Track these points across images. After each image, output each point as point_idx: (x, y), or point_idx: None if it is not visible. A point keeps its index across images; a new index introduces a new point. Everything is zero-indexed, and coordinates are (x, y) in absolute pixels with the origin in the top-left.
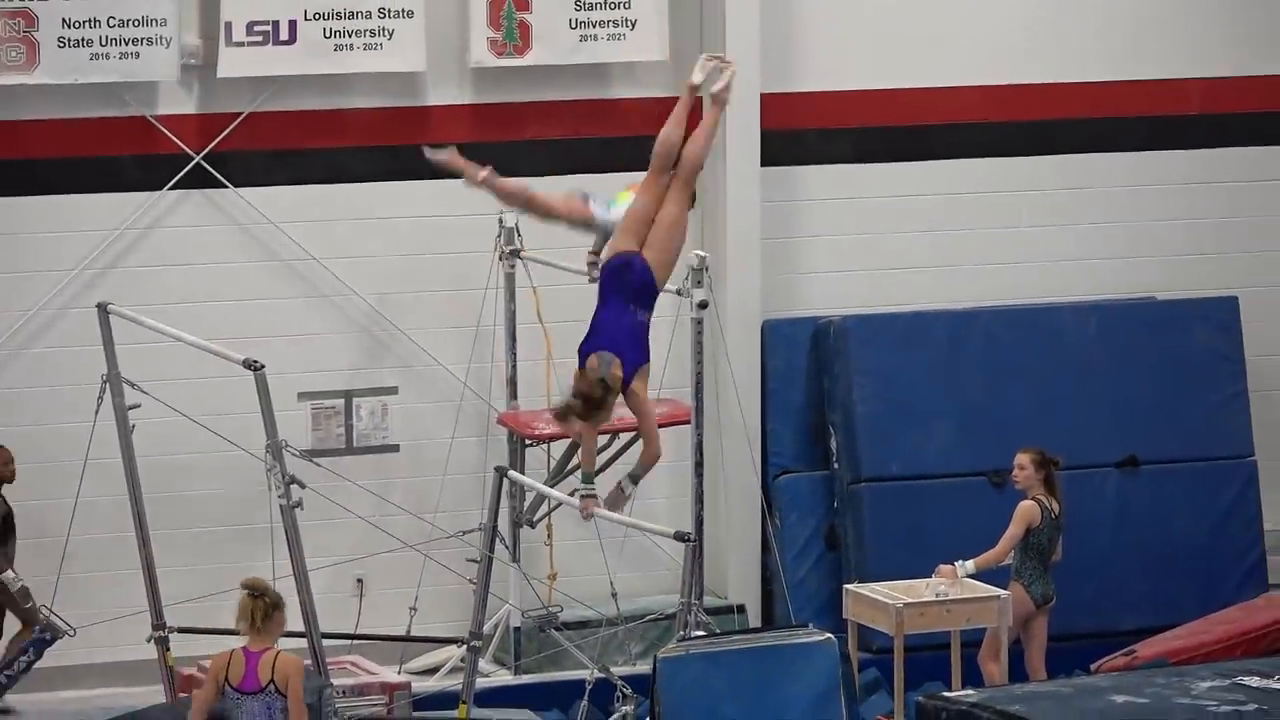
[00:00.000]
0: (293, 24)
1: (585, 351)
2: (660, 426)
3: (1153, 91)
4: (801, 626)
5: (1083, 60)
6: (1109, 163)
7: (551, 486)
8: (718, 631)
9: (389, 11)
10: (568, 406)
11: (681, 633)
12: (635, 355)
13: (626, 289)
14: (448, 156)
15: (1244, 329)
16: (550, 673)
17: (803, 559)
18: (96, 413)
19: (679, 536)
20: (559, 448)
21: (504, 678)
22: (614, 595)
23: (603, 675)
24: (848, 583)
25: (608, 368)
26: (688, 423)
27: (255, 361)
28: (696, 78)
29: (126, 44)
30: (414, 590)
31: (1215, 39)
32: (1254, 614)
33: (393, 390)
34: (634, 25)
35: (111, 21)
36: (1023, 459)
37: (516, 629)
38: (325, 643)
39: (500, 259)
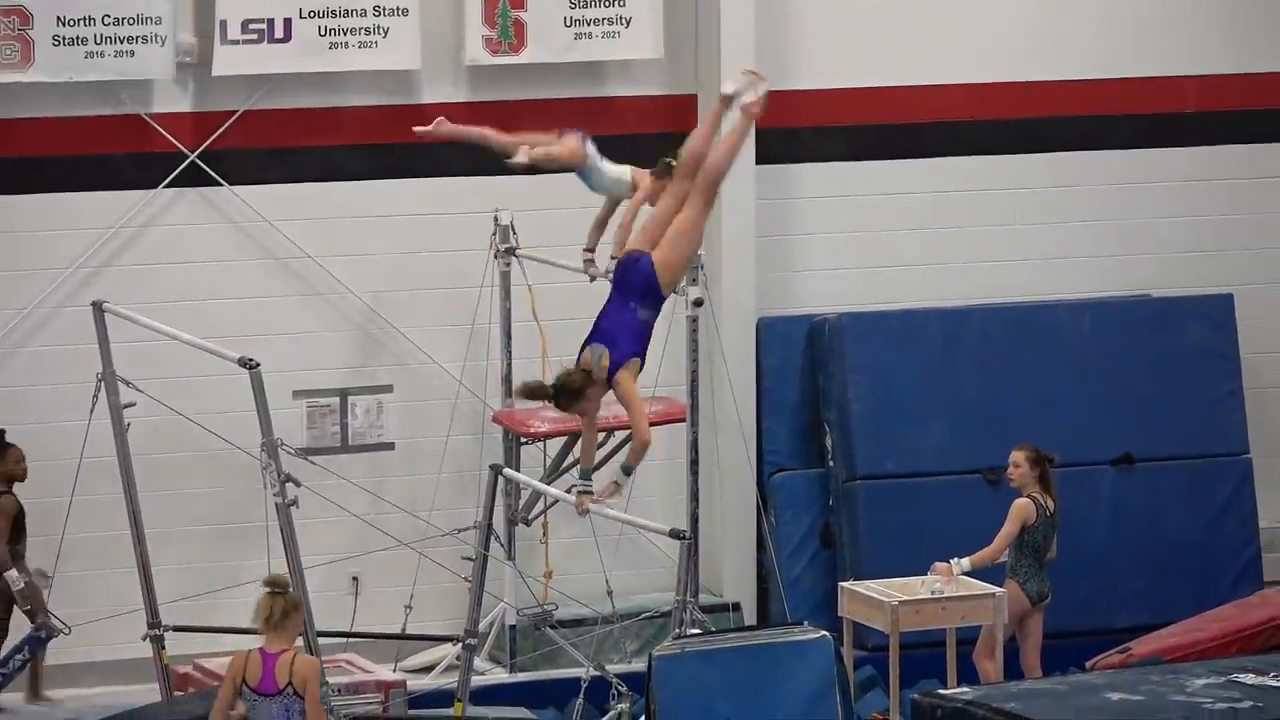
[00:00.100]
0: (288, 22)
1: (585, 345)
2: (655, 424)
3: (1147, 89)
4: (797, 624)
5: (1078, 58)
6: (1104, 160)
7: (547, 484)
8: (713, 629)
9: (384, 9)
10: (530, 389)
11: (677, 630)
12: (628, 347)
13: (630, 286)
14: (433, 127)
15: (1239, 326)
16: (546, 671)
17: (798, 557)
18: (92, 411)
19: (674, 534)
20: (555, 445)
21: (499, 676)
22: (609, 593)
23: (598, 673)
24: (843, 580)
25: (598, 360)
26: (683, 420)
27: (250, 360)
28: (729, 88)
29: (121, 42)
30: (409, 588)
31: (1210, 37)
32: (1249, 611)
33: (388, 388)
34: (629, 23)
35: (106, 20)
36: (1018, 456)
37: (512, 627)
38: (321, 641)
39: (495, 257)
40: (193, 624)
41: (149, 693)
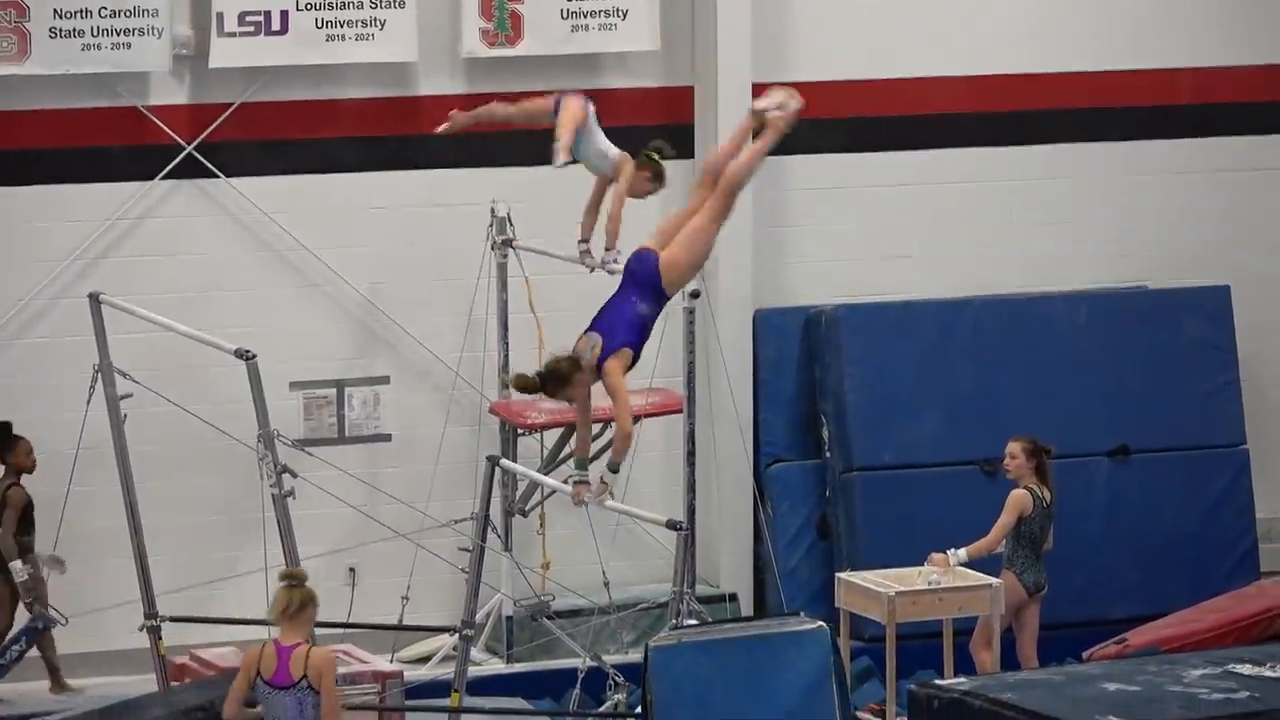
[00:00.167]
0: (284, 14)
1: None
2: (652, 416)
3: (1143, 81)
4: (793, 615)
5: (1074, 50)
6: (1100, 152)
7: (544, 475)
8: (710, 620)
9: (380, 2)
10: (521, 383)
11: (673, 621)
12: (621, 337)
13: (636, 281)
14: (450, 125)
15: (1236, 318)
16: (542, 661)
17: (794, 548)
18: (88, 402)
19: (671, 525)
20: (551, 437)
21: (496, 666)
22: (606, 584)
23: (595, 664)
24: (839, 571)
25: (591, 348)
26: (680, 412)
27: (247, 351)
28: (762, 104)
29: (118, 34)
30: (406, 579)
31: (1208, 29)
32: (1245, 602)
33: (385, 380)
34: (625, 15)
35: (103, 12)
36: (1014, 448)
37: (508, 618)
38: (317, 632)
39: (492, 249)
40: (189, 615)
41: (146, 683)
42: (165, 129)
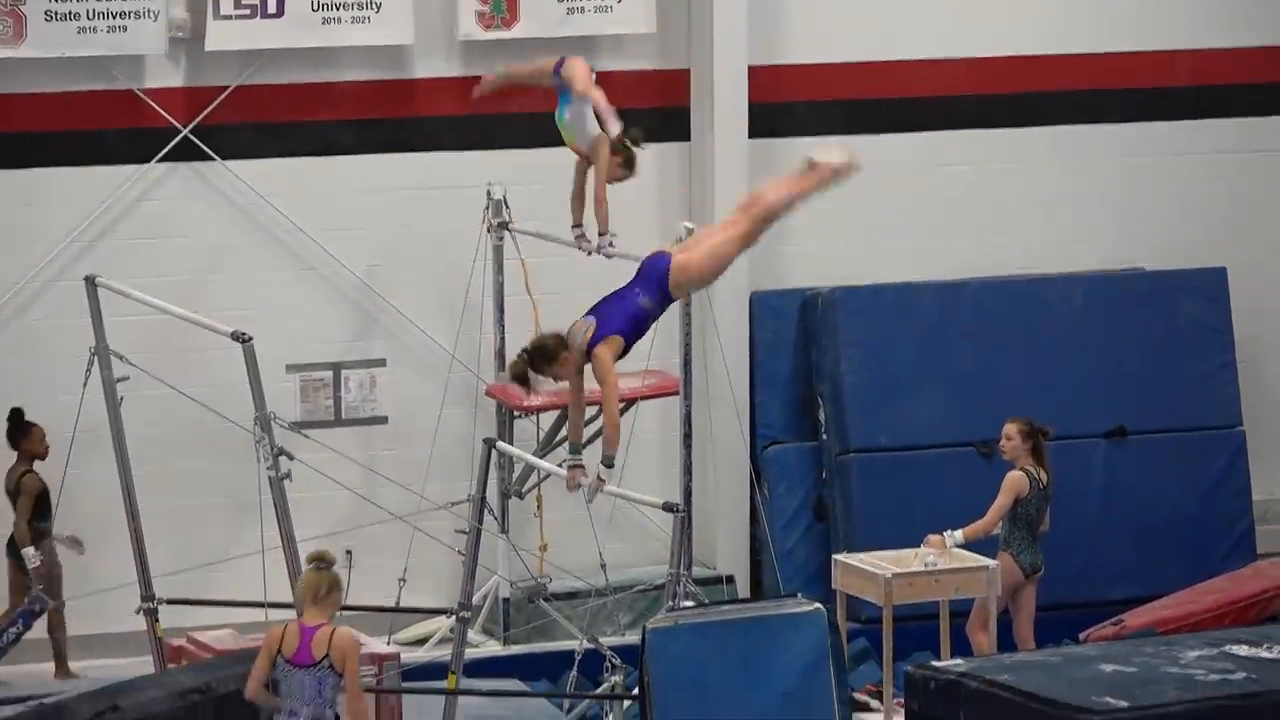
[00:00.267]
0: None
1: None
2: (648, 398)
3: (1141, 63)
4: (790, 597)
5: (1071, 32)
6: (1097, 134)
7: (540, 458)
8: (706, 602)
9: None
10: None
11: (670, 603)
12: (615, 324)
13: (644, 276)
14: (480, 88)
15: (1232, 300)
16: (539, 643)
17: (791, 530)
18: (85, 385)
19: (668, 507)
20: (548, 419)
21: (493, 648)
22: (603, 566)
23: (592, 646)
24: (836, 553)
25: (584, 330)
26: (676, 394)
27: (243, 334)
28: (820, 156)
29: (114, 17)
30: (403, 561)
31: (1206, 11)
32: (1242, 583)
33: (381, 362)
34: None
35: None
36: (1010, 429)
37: (505, 600)
38: None
39: (488, 231)
40: (186, 597)
41: (143, 665)
42: (161, 112)
